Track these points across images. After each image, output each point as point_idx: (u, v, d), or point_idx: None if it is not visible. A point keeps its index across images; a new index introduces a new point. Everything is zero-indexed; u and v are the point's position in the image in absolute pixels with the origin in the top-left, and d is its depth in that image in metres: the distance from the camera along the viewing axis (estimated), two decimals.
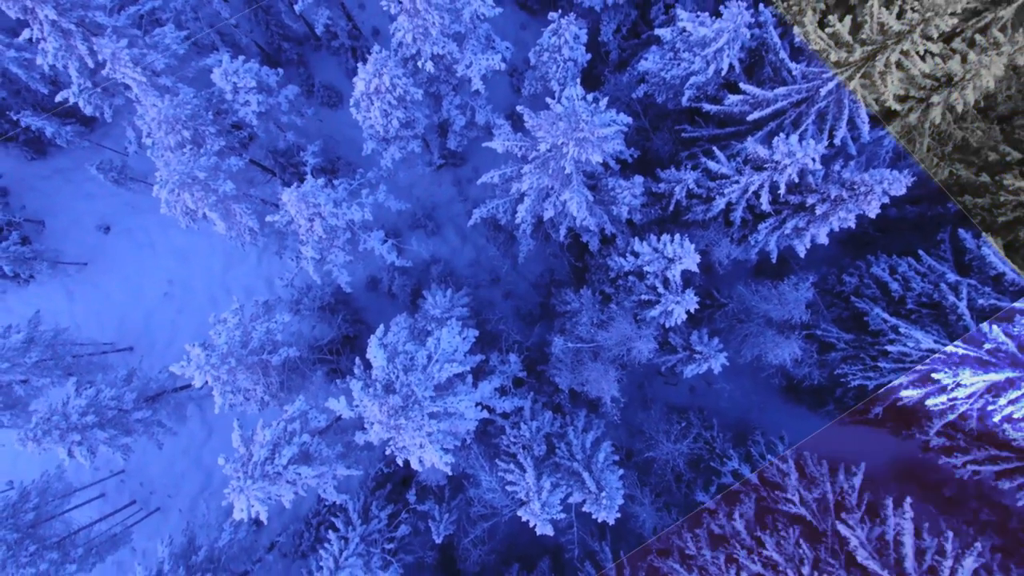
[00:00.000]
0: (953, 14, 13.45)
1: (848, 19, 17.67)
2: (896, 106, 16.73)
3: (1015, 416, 21.93)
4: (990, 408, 20.83)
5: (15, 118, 30.53)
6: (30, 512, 27.12)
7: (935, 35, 14.00)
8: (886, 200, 16.27)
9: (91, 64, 21.30)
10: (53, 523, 28.76)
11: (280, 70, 24.73)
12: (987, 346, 18.51)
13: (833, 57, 16.13)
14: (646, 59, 23.38)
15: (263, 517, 17.45)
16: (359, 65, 21.19)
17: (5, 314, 35.78)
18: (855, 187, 16.37)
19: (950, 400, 22.24)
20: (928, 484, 32.27)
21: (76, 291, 36.51)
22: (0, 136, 33.14)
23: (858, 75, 16.07)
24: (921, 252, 24.17)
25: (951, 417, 20.64)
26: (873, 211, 16.48)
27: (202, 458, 36.01)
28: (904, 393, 20.55)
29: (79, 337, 34.13)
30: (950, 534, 22.27)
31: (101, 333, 35.94)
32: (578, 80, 22.14)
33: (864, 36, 15.76)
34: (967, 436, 25.85)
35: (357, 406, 18.31)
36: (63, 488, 30.15)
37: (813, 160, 16.69)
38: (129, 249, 36.36)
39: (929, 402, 22.41)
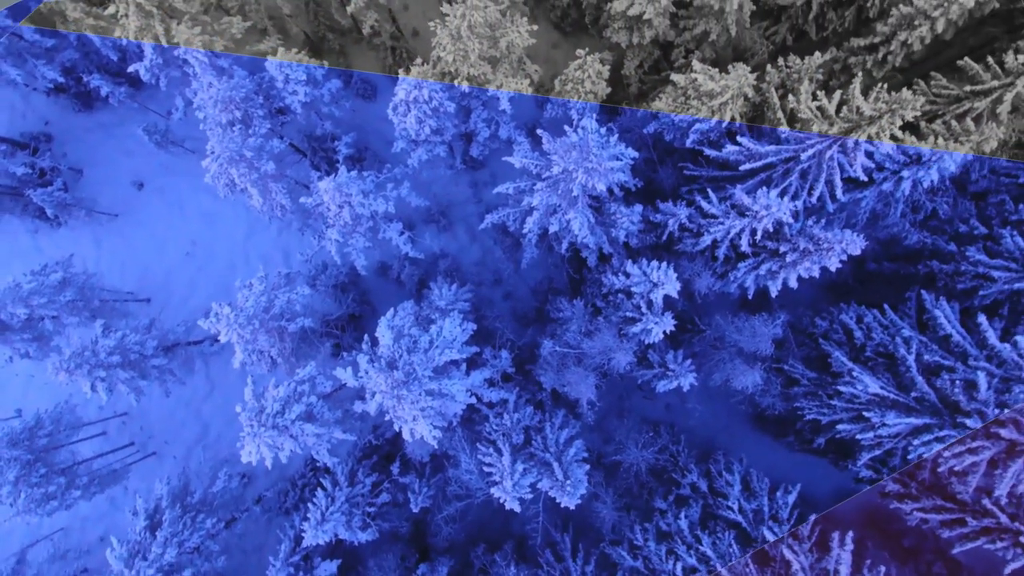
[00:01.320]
0: (914, 109, 15.76)
1: (838, 94, 20.03)
2: (864, 177, 19.05)
3: (940, 463, 24.35)
4: (910, 449, 23.25)
5: (86, 79, 33.03)
6: (43, 438, 29.35)
7: (899, 123, 16.32)
8: (844, 257, 18.62)
9: (164, 43, 23.58)
10: (61, 451, 31.01)
11: (325, 63, 27.02)
12: (913, 394, 20.88)
13: (816, 127, 18.44)
14: (659, 99, 25.72)
15: (268, 463, 19.72)
16: (399, 71, 23.52)
17: (36, 253, 38.08)
18: (820, 242, 18.72)
19: (876, 437, 24.75)
20: (890, 533, 34.35)
21: (104, 240, 38.75)
22: (56, 89, 35.41)
23: (836, 145, 18.39)
24: (886, 306, 26.51)
25: (877, 453, 22.98)
26: (833, 265, 18.82)
27: (202, 411, 38.19)
28: (840, 427, 22.92)
29: (104, 283, 36.41)
30: (882, 569, 24.81)
31: (123, 282, 38.15)
32: (595, 113, 24.41)
33: (843, 114, 18.09)
34: (920, 485, 28.32)
35: (362, 377, 20.59)
36: (73, 421, 32.40)
37: (787, 215, 19.03)
38: (159, 207, 38.59)
39: (859, 435, 24.98)
